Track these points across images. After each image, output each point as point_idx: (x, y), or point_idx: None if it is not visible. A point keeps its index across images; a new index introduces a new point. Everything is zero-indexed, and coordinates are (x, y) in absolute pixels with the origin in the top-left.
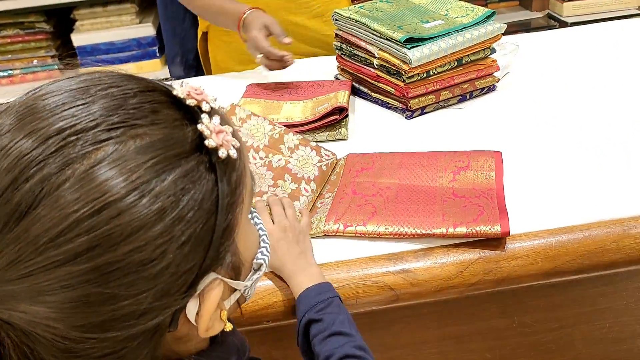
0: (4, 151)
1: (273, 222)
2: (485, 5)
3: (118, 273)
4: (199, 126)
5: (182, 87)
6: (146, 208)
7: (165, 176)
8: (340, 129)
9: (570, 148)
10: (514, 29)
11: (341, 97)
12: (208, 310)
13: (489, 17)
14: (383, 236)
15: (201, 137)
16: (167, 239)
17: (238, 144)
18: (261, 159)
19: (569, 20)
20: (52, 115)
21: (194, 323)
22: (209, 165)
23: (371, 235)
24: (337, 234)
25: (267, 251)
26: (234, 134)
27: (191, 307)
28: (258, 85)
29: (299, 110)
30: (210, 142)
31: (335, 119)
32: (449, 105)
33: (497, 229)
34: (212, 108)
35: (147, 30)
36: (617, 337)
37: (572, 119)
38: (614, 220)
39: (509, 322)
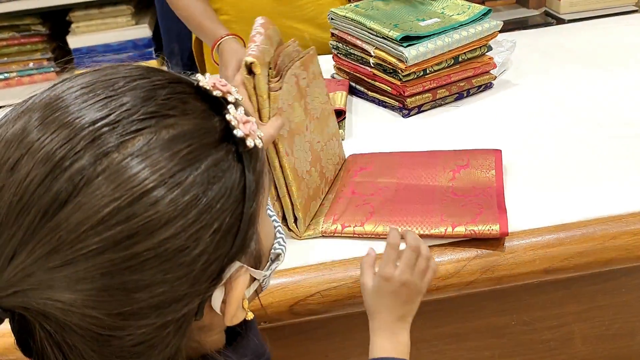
0: (37, 144)
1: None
2: (482, 3)
3: (155, 260)
4: (227, 116)
5: (206, 79)
6: (181, 197)
7: (197, 165)
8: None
9: (568, 144)
10: (511, 26)
11: (338, 99)
12: (236, 298)
13: (485, 14)
14: (381, 236)
15: (228, 127)
16: (200, 227)
17: (262, 134)
18: None
19: (566, 17)
20: (83, 108)
21: (218, 312)
22: (236, 154)
23: (369, 236)
24: (335, 234)
25: (284, 241)
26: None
27: (217, 296)
28: None
29: None
30: (238, 132)
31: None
32: (446, 104)
33: (495, 229)
34: (236, 99)
35: (143, 31)
36: (617, 334)
37: (570, 115)
38: (612, 216)
39: (508, 320)
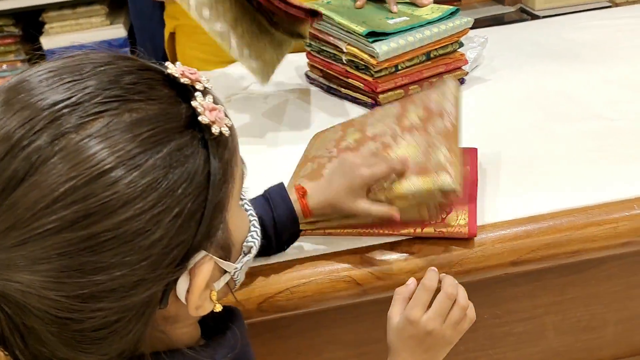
0: None
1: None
2: (459, 1)
3: (113, 242)
4: (193, 103)
5: (175, 67)
6: (140, 178)
7: (159, 148)
8: None
9: (538, 138)
10: (487, 23)
11: None
12: (198, 286)
13: (452, 14)
14: (350, 234)
15: (194, 114)
16: (160, 210)
17: (231, 123)
18: None
19: (541, 13)
20: (46, 91)
21: (184, 301)
22: (201, 141)
23: (338, 234)
24: (307, 233)
25: (258, 235)
26: (226, 115)
27: (182, 284)
28: None
29: None
30: (203, 119)
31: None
32: None
33: (464, 231)
34: (205, 87)
35: (118, 31)
36: (588, 325)
37: (540, 110)
38: (578, 208)
39: (480, 314)
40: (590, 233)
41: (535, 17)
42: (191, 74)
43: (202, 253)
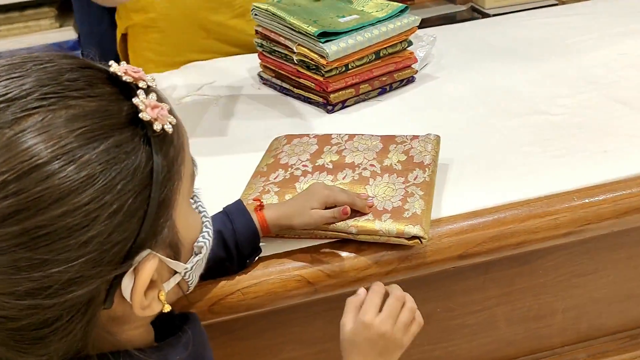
0: None
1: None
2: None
3: (47, 238)
4: (134, 100)
5: (119, 65)
6: (75, 173)
7: (96, 145)
8: None
9: (484, 135)
10: (439, 22)
11: None
12: (141, 285)
13: (402, 11)
14: (304, 237)
15: (137, 111)
16: (97, 207)
17: (175, 121)
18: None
19: (491, 12)
20: None
21: (129, 300)
22: (144, 138)
23: (291, 236)
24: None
25: (210, 235)
26: (171, 113)
27: (126, 284)
28: None
29: None
30: (144, 116)
31: None
32: (370, 98)
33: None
34: (149, 86)
35: (68, 34)
36: (537, 314)
37: (486, 107)
38: (521, 201)
39: (432, 308)
40: (532, 225)
41: (485, 15)
42: (134, 72)
43: (147, 251)
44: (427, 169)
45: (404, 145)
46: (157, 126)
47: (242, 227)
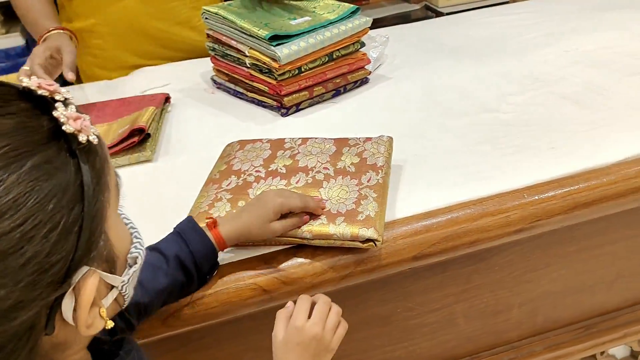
0: None
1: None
2: None
3: None
4: (55, 113)
5: (31, 80)
6: (5, 195)
7: (22, 163)
8: (143, 151)
9: (435, 134)
10: (394, 21)
11: (143, 116)
12: (86, 302)
13: (353, 12)
14: (256, 244)
15: (58, 125)
16: (31, 227)
17: (98, 132)
18: None
19: (445, 10)
20: None
21: (71, 322)
22: (69, 152)
23: (245, 244)
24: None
25: (142, 245)
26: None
27: (67, 305)
28: None
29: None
30: (68, 128)
31: (134, 141)
32: (324, 101)
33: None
34: (65, 98)
35: (15, 40)
36: (495, 309)
37: (438, 106)
38: (472, 200)
39: (392, 308)
40: (484, 223)
41: (439, 14)
42: (48, 85)
43: (85, 268)
44: (380, 170)
45: (357, 148)
46: (82, 138)
47: (198, 247)
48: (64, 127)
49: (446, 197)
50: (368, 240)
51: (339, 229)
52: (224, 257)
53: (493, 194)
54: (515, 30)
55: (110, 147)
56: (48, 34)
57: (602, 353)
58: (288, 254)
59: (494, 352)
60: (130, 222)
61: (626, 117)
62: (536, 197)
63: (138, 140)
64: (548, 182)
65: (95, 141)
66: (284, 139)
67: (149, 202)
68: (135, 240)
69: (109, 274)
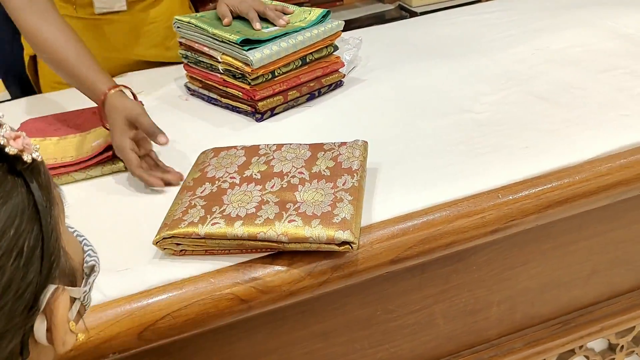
0: None
1: None
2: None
3: None
4: None
5: None
6: None
7: None
8: (116, 163)
9: (412, 135)
10: (369, 21)
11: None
12: (61, 322)
13: (324, 16)
14: (231, 254)
15: None
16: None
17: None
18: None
19: (418, 10)
20: None
21: (45, 342)
22: (15, 173)
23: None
24: (187, 253)
25: (94, 252)
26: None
27: (39, 326)
28: (35, 120)
29: (73, 146)
30: (11, 149)
31: (109, 156)
32: (299, 105)
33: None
34: None
35: None
36: (474, 308)
37: (414, 107)
38: (448, 202)
39: (372, 311)
40: (460, 225)
41: (413, 14)
42: None
43: (53, 286)
44: (355, 174)
45: (332, 152)
46: (26, 157)
47: None
48: (6, 150)
49: (422, 199)
50: (344, 243)
51: (315, 231)
52: (198, 264)
53: (468, 195)
54: (487, 29)
55: (84, 161)
56: (106, 99)
57: (580, 347)
58: (265, 263)
59: (475, 351)
60: (76, 231)
61: (597, 114)
62: (510, 197)
63: (113, 154)
64: (522, 182)
65: (39, 158)
66: (259, 145)
67: (123, 213)
68: (86, 248)
69: (73, 288)
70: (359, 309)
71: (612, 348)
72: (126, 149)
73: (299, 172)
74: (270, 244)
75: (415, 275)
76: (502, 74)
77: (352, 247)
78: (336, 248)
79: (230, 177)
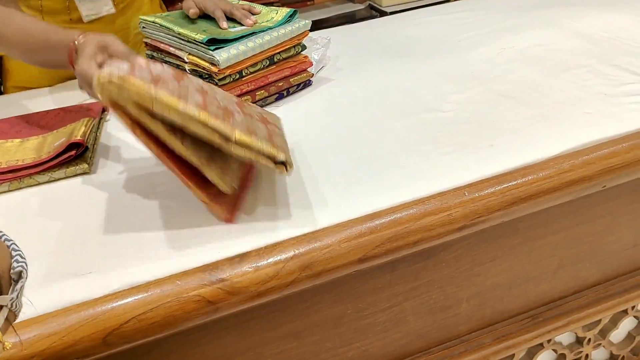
0: None
1: None
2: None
3: None
4: None
5: None
6: None
7: None
8: (80, 164)
9: (379, 135)
10: (339, 21)
11: (80, 129)
12: None
13: (291, 16)
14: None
15: None
16: None
17: None
18: None
19: (388, 9)
20: None
21: None
22: None
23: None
24: None
25: (23, 257)
26: None
27: None
28: None
29: (34, 147)
30: None
31: (72, 155)
32: (267, 104)
33: (221, 215)
34: None
35: None
36: (444, 305)
37: (381, 106)
38: (415, 200)
39: (343, 310)
40: (427, 223)
41: (383, 13)
42: None
43: None
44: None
45: (256, 108)
46: None
47: None
48: None
49: (389, 198)
50: (281, 164)
51: (260, 143)
52: (164, 265)
53: (435, 193)
54: (454, 29)
55: (45, 162)
56: (76, 43)
57: (549, 341)
58: (232, 263)
59: (445, 347)
60: (4, 235)
61: (560, 112)
62: (476, 195)
63: (75, 154)
64: (487, 179)
65: None
66: (189, 75)
67: (87, 216)
68: (14, 253)
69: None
70: (330, 308)
71: (579, 341)
72: (90, 71)
73: (232, 106)
74: (217, 137)
75: (385, 272)
76: (468, 73)
77: (287, 170)
78: (272, 165)
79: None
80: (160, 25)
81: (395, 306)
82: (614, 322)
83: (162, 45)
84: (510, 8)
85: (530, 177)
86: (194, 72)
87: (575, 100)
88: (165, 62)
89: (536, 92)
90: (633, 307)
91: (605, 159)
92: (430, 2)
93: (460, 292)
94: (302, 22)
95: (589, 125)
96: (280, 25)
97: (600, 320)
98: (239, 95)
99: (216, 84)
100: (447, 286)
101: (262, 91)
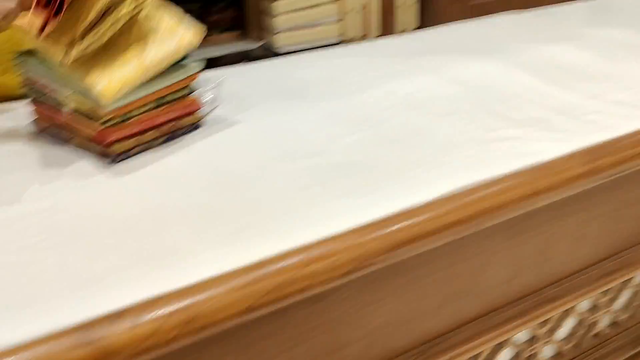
0: None
1: None
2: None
3: None
4: None
5: None
6: None
7: None
8: None
9: (268, 180)
10: (235, 59)
11: None
12: None
13: (183, 58)
14: None
15: None
16: None
17: None
18: None
19: (281, 50)
20: None
21: None
22: None
23: None
24: None
25: None
26: None
27: None
28: None
29: None
30: None
31: None
32: (155, 146)
33: None
34: None
35: None
36: (334, 347)
37: (271, 150)
38: (300, 247)
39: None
40: (312, 270)
41: (277, 53)
42: None
43: None
44: None
45: None
46: None
47: None
48: None
49: (275, 246)
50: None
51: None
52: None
53: (320, 239)
54: (344, 73)
55: None
56: None
57: None
58: (103, 323)
59: None
60: None
61: (440, 155)
62: (360, 240)
63: None
64: (371, 224)
65: None
66: None
67: None
68: None
69: None
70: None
71: None
72: None
73: None
74: None
75: (273, 320)
76: (355, 117)
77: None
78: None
79: None
80: (42, 61)
81: (285, 352)
82: (494, 353)
83: (42, 80)
84: (399, 54)
85: (409, 222)
86: (78, 112)
87: (454, 144)
88: (47, 98)
89: (419, 135)
90: (509, 339)
91: (479, 202)
92: (320, 45)
93: (351, 333)
94: (193, 64)
95: (466, 169)
96: (170, 66)
97: (481, 352)
98: (124, 138)
99: (101, 126)
100: (338, 328)
101: (149, 133)
